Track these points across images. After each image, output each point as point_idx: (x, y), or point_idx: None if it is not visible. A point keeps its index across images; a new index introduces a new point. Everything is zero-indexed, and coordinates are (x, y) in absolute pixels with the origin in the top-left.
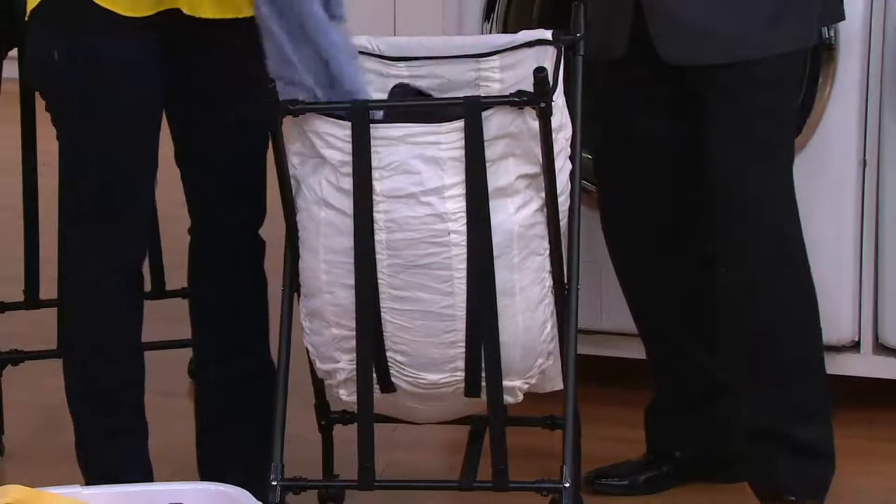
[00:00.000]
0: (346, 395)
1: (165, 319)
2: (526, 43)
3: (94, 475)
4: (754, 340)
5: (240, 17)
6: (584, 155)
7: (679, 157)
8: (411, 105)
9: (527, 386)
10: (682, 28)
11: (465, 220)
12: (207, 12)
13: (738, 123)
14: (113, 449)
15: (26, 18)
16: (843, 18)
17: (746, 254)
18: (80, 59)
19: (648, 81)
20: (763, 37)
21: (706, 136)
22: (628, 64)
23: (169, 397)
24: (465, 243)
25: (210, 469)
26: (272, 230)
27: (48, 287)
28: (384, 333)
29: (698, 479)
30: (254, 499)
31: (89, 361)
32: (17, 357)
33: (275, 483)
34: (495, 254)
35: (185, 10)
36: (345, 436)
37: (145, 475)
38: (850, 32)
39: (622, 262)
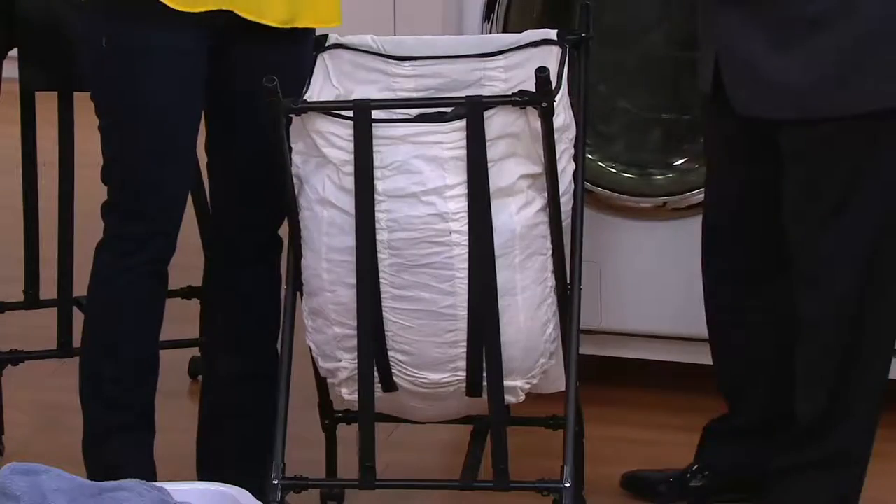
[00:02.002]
0: (347, 394)
1: (165, 319)
2: (531, 42)
3: (97, 471)
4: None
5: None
6: (587, 156)
7: (765, 201)
8: (414, 104)
9: (528, 386)
10: (754, 79)
11: (467, 220)
12: (268, 17)
13: (809, 186)
14: (118, 446)
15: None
16: None
17: (814, 320)
18: (126, 45)
19: (734, 120)
20: (838, 94)
21: (782, 190)
22: (717, 100)
23: (169, 397)
24: (466, 243)
25: (210, 468)
26: None
27: (48, 287)
28: (386, 332)
29: (731, 498)
30: (254, 498)
31: (101, 357)
32: (17, 357)
33: (276, 482)
34: (497, 254)
35: (241, 14)
36: (345, 436)
37: (148, 474)
38: None
39: (711, 281)
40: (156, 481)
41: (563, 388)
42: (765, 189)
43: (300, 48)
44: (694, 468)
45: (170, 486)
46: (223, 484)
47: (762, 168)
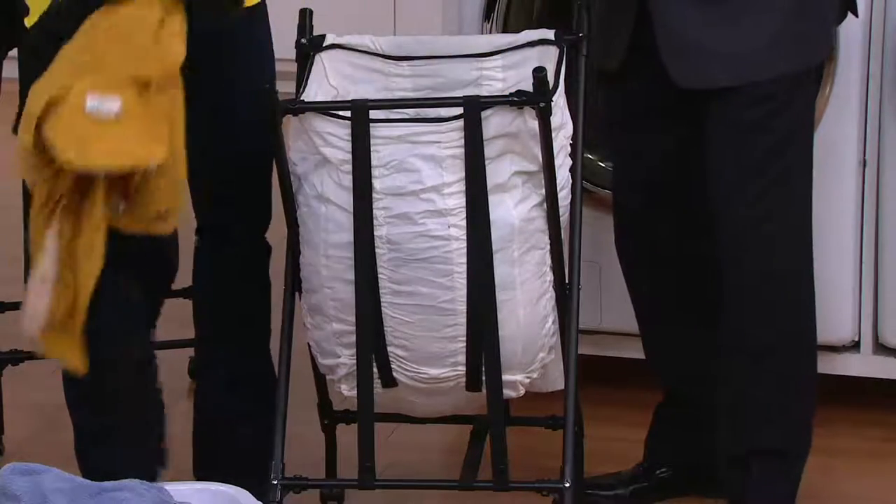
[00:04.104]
0: (347, 391)
1: (165, 319)
2: (528, 42)
3: (92, 472)
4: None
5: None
6: (587, 156)
7: (679, 169)
8: (411, 104)
9: (528, 380)
10: (691, 49)
11: (465, 216)
12: None
13: (737, 144)
14: (108, 447)
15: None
16: (847, 17)
17: (735, 273)
18: None
19: (645, 95)
20: (768, 56)
21: (705, 154)
22: (624, 76)
23: (169, 397)
24: (464, 237)
25: (206, 469)
26: (273, 231)
27: None
28: (385, 328)
29: (687, 493)
30: (254, 499)
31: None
32: (17, 357)
33: (275, 482)
34: (495, 248)
35: None
36: (344, 436)
37: (144, 474)
38: (850, 32)
39: (629, 266)
40: (153, 481)
41: (562, 387)
42: (680, 156)
43: (251, 47)
44: (645, 465)
45: (170, 486)
46: (223, 484)
47: (685, 130)
